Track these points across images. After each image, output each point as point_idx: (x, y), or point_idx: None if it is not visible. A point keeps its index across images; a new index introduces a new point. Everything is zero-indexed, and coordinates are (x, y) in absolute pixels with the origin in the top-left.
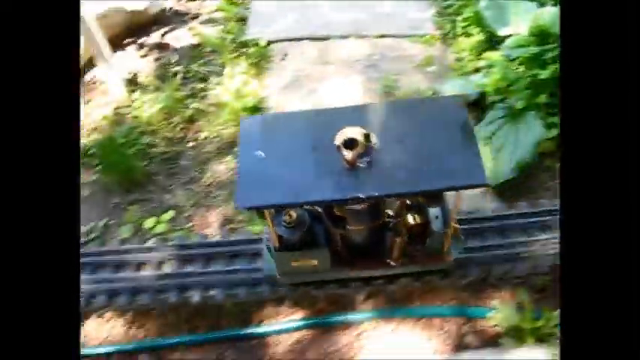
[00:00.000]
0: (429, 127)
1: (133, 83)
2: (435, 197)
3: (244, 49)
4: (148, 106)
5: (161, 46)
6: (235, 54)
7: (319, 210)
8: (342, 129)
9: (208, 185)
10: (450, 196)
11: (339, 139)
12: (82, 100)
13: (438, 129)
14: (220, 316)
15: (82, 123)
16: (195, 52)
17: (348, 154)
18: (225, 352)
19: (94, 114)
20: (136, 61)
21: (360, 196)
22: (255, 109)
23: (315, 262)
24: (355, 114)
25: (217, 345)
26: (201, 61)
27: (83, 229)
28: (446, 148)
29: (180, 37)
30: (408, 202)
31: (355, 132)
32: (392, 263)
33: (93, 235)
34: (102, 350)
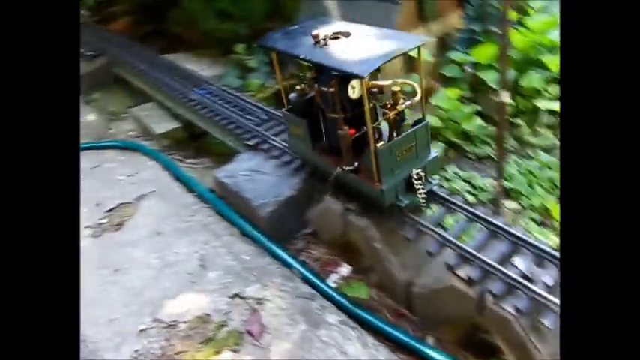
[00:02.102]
0: (384, 41)
1: None
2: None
3: None
4: None
5: None
6: None
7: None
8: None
9: None
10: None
11: (330, 31)
12: None
13: (386, 43)
14: None
15: None
16: None
17: (314, 32)
18: None
19: None
20: None
21: (300, 56)
22: None
23: (299, 131)
24: (359, 26)
25: None
26: None
27: None
28: (372, 51)
29: None
30: (389, 111)
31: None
32: (339, 167)
33: None
34: None
